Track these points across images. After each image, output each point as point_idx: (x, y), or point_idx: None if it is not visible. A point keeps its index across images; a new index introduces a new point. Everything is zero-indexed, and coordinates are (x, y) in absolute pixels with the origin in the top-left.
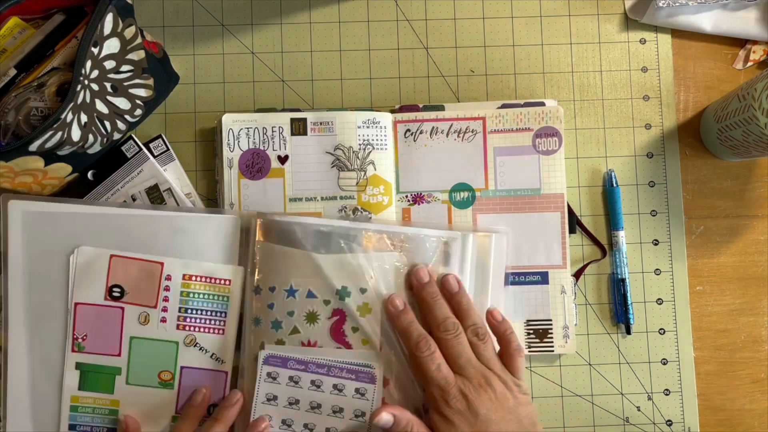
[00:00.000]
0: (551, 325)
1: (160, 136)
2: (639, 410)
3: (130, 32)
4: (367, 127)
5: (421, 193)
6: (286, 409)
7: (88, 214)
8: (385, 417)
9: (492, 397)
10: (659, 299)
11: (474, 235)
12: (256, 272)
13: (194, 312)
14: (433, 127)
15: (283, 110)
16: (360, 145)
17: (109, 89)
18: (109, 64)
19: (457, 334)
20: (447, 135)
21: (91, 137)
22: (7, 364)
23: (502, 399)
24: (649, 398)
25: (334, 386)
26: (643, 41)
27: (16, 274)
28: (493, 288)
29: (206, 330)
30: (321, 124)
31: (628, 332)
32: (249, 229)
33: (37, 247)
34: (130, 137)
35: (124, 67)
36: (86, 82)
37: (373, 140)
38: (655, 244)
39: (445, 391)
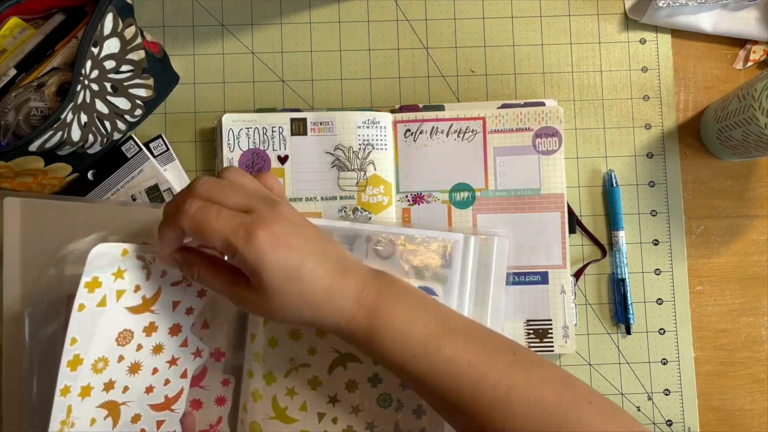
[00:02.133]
0: (551, 325)
1: (160, 136)
2: (639, 410)
3: (130, 32)
4: (367, 127)
5: (421, 193)
6: None
7: (87, 208)
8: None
9: None
10: (659, 299)
11: (476, 237)
12: None
13: None
14: (433, 127)
15: (283, 110)
16: (360, 145)
17: (109, 89)
18: (109, 64)
19: None
20: (447, 135)
21: (91, 137)
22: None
23: None
24: (649, 398)
25: None
26: (643, 41)
27: (12, 270)
28: (494, 291)
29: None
30: (321, 124)
31: (628, 332)
32: None
33: (34, 243)
34: (130, 137)
35: (124, 67)
36: (86, 82)
37: (373, 140)
38: (655, 244)
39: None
